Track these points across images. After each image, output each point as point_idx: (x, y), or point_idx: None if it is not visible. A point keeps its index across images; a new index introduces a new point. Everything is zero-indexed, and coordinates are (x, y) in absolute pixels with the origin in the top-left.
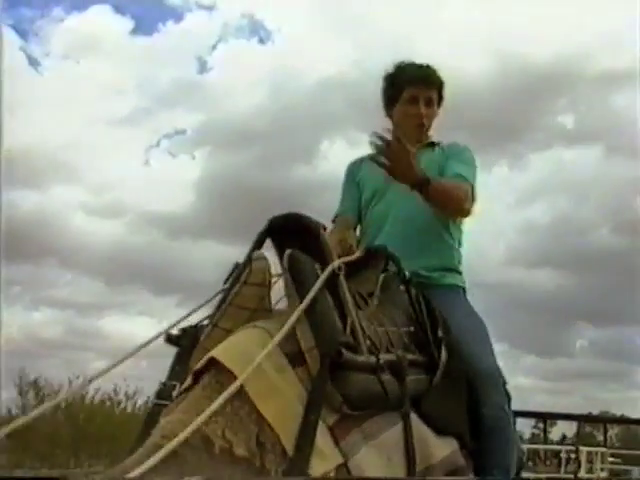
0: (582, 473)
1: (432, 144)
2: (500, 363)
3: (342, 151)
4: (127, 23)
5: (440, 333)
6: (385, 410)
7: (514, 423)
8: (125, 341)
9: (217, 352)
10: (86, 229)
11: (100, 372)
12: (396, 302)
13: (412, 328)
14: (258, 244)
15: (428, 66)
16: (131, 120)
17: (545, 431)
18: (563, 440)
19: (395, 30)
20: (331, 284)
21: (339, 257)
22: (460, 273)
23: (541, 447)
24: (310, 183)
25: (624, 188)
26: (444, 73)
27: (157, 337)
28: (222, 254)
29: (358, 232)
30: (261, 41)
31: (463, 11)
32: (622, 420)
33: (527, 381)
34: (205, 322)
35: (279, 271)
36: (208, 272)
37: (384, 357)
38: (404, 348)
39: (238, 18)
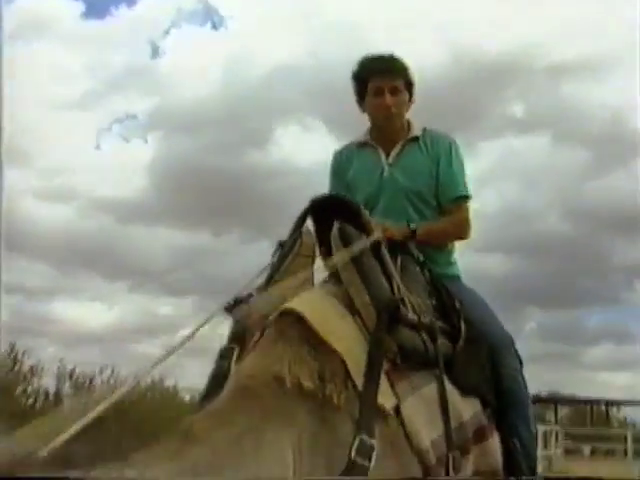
0: (538, 451)
1: (415, 139)
2: None
3: (295, 137)
4: (78, 6)
5: (457, 305)
6: (423, 366)
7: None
8: (77, 326)
9: (288, 304)
10: (36, 214)
11: (156, 362)
12: (416, 280)
13: (434, 301)
14: (301, 221)
15: (390, 56)
16: (82, 104)
17: None
18: None
19: (348, 19)
20: (375, 252)
21: None
22: (454, 264)
23: None
24: (263, 168)
25: (572, 175)
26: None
27: (204, 324)
28: (174, 240)
29: None
30: (214, 27)
31: (417, 1)
32: (573, 400)
33: None
34: (255, 293)
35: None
36: (159, 258)
37: (425, 320)
38: (432, 315)
39: (192, 3)
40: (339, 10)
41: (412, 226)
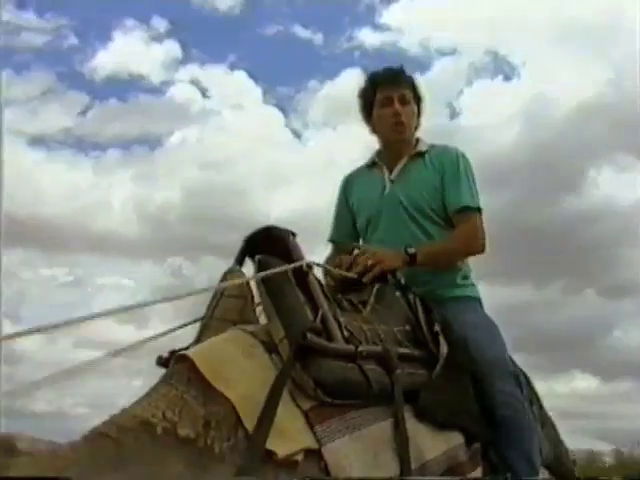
0: None
1: (421, 154)
2: None
3: (609, 176)
4: None
5: (437, 328)
6: (374, 403)
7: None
8: None
9: (184, 351)
10: None
11: None
12: (392, 307)
13: (408, 327)
14: (238, 262)
15: (397, 67)
16: None
17: None
18: None
19: None
20: (302, 282)
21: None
22: (468, 286)
23: None
24: (582, 214)
25: None
26: None
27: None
28: (496, 297)
29: None
30: (506, 78)
31: None
32: None
33: None
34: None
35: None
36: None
37: (367, 348)
38: (397, 343)
39: (481, 57)
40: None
41: (410, 251)
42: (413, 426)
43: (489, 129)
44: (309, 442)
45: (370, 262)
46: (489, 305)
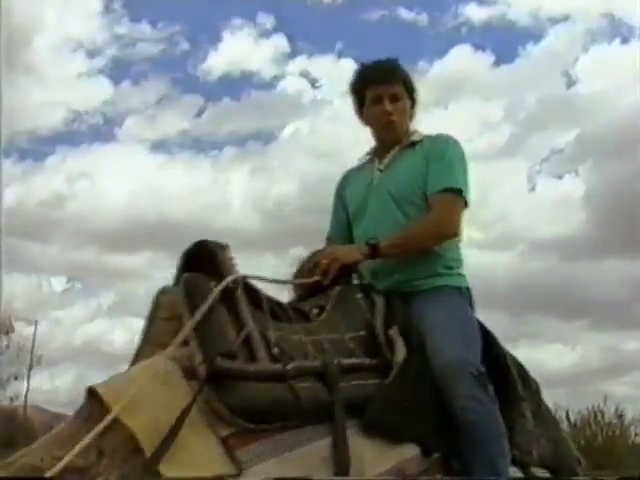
0: None
1: (413, 144)
2: None
3: None
4: (488, 57)
5: (392, 332)
6: (311, 422)
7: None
8: (541, 369)
9: (98, 384)
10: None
11: None
12: (349, 311)
13: (363, 332)
14: (177, 279)
15: (388, 61)
16: (508, 150)
17: None
18: None
19: None
20: (229, 299)
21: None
22: (452, 275)
23: None
24: None
25: None
26: None
27: None
28: (625, 271)
29: None
30: (624, 41)
31: None
32: None
33: None
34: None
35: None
36: (614, 292)
37: (299, 364)
38: (346, 353)
39: (597, 22)
40: None
41: (371, 241)
42: (358, 442)
43: (609, 95)
44: (226, 469)
45: (325, 261)
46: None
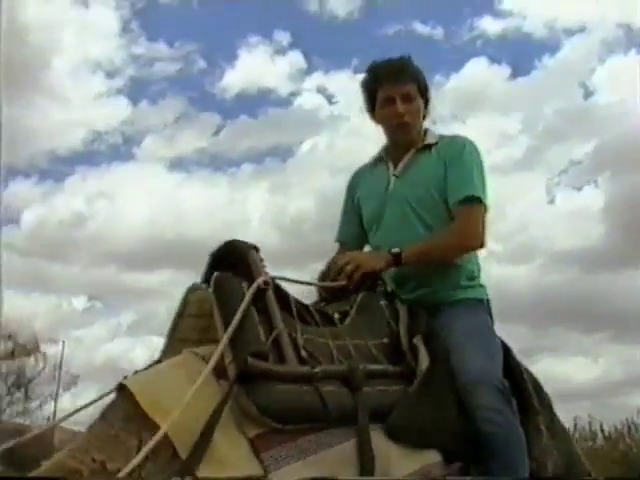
0: None
1: (429, 146)
2: None
3: None
4: (504, 70)
5: (416, 341)
6: (335, 425)
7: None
8: (564, 383)
9: (128, 380)
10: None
11: None
12: (373, 318)
13: (386, 340)
14: (206, 278)
15: (400, 60)
16: (526, 162)
17: None
18: None
19: None
20: (259, 300)
21: (332, 280)
22: (475, 287)
23: None
24: None
25: None
26: None
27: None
28: None
29: None
30: None
31: None
32: None
33: None
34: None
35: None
36: (636, 303)
37: (326, 368)
38: (370, 359)
39: (612, 32)
40: None
41: (394, 251)
42: (382, 445)
43: (627, 105)
44: (252, 470)
45: (349, 268)
46: None
